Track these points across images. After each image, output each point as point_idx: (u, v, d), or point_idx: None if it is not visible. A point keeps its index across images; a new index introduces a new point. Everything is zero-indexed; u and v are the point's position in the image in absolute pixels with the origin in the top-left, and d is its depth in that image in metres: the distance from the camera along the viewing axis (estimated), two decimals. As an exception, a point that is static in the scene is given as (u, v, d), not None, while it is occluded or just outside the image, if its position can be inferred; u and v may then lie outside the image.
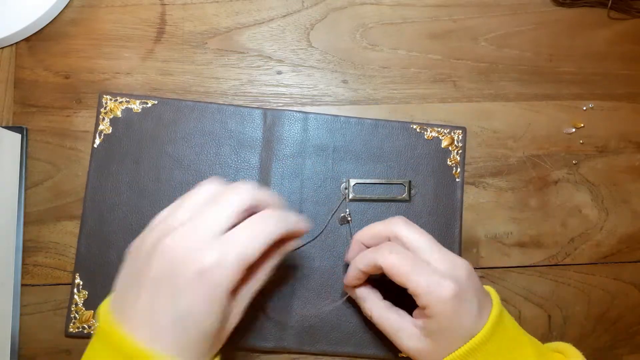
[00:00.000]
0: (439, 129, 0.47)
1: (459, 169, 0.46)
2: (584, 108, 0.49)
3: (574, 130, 0.48)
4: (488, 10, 0.50)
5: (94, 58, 0.47)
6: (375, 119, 0.47)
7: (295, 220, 0.34)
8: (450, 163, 0.46)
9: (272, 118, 0.46)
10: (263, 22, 0.49)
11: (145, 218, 0.44)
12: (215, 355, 0.32)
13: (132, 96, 0.46)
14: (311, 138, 0.46)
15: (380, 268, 0.36)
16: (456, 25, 0.50)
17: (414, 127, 0.47)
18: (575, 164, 0.48)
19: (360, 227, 0.43)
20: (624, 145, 0.48)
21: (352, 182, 0.45)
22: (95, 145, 0.45)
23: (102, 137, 0.45)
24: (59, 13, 0.48)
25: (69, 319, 0.43)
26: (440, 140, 0.46)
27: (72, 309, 0.43)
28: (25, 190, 0.45)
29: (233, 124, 0.46)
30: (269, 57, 0.48)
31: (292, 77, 0.48)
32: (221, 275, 0.29)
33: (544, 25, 0.50)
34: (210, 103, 0.46)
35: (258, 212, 0.33)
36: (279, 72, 0.48)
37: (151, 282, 0.29)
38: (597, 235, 0.47)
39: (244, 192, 0.32)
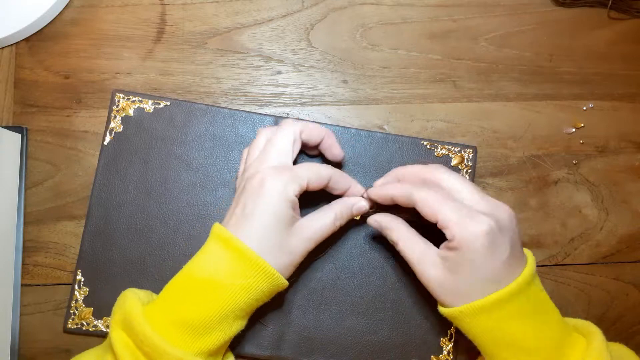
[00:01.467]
0: (449, 147, 0.46)
1: None
2: (584, 108, 0.49)
3: (574, 130, 0.48)
4: (488, 10, 0.50)
5: (94, 58, 0.47)
6: (386, 133, 0.46)
7: (342, 175, 0.41)
8: None
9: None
10: (263, 22, 0.49)
11: (150, 219, 0.44)
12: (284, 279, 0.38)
13: (145, 96, 0.46)
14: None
15: (412, 201, 0.37)
16: (456, 25, 0.50)
17: (424, 143, 0.46)
18: (575, 164, 0.48)
19: (365, 240, 0.44)
20: (624, 145, 0.48)
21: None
22: (105, 143, 0.45)
23: (112, 135, 0.45)
24: (59, 13, 0.48)
25: (68, 315, 0.43)
26: (450, 158, 0.46)
27: (72, 305, 0.43)
28: (25, 190, 0.45)
29: (244, 129, 0.46)
30: (269, 57, 0.48)
31: (292, 77, 0.48)
32: (273, 183, 0.37)
33: (544, 25, 0.50)
34: (223, 108, 0.46)
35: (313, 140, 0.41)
36: (279, 72, 0.48)
37: (239, 198, 0.39)
38: (597, 235, 0.47)
39: (290, 130, 0.40)
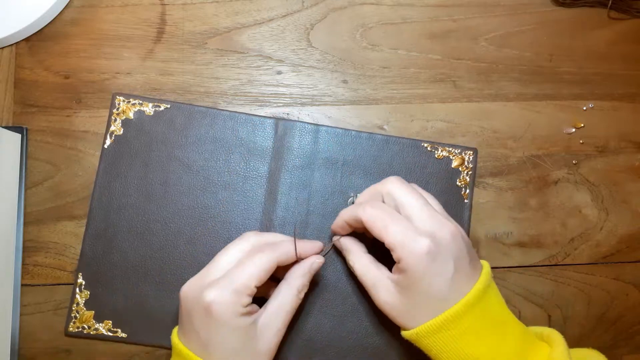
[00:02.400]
0: (450, 149, 0.46)
1: (467, 190, 0.46)
2: (584, 108, 0.49)
3: (574, 130, 0.48)
4: (488, 10, 0.50)
5: (94, 58, 0.47)
6: (387, 135, 0.46)
7: (285, 248, 0.38)
8: (459, 184, 0.46)
9: (283, 128, 0.46)
10: (263, 22, 0.49)
11: (151, 221, 0.44)
12: None
13: (145, 99, 0.46)
14: (321, 151, 0.46)
15: (361, 221, 0.37)
16: (456, 25, 0.50)
17: (425, 145, 0.46)
18: (575, 164, 0.48)
19: (366, 241, 0.43)
20: (624, 145, 0.48)
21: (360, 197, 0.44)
22: (105, 146, 0.45)
23: (112, 138, 0.45)
24: (59, 13, 0.48)
25: (69, 319, 0.43)
26: (451, 160, 0.46)
27: (73, 308, 0.43)
28: (25, 190, 0.45)
29: (244, 132, 0.46)
30: (269, 57, 0.48)
31: (292, 77, 0.48)
32: (221, 306, 0.35)
33: (544, 25, 0.50)
34: (223, 110, 0.46)
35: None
36: (279, 72, 0.48)
37: (185, 323, 0.37)
38: (597, 235, 0.47)
39: (245, 241, 0.39)
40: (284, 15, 0.49)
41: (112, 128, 0.45)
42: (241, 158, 0.45)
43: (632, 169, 0.48)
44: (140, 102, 0.46)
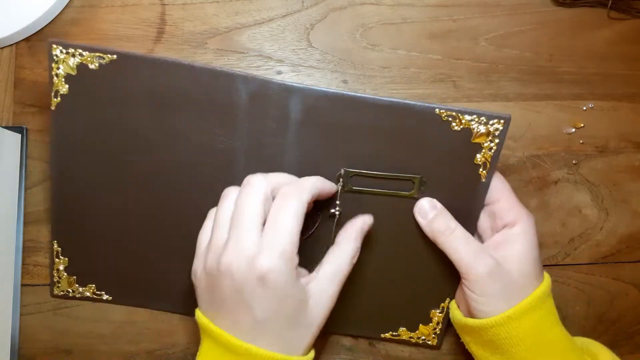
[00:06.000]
0: (474, 117, 0.37)
1: (487, 168, 0.39)
2: (584, 108, 0.49)
3: (574, 130, 0.48)
4: (488, 10, 0.50)
5: (94, 58, 0.47)
6: (392, 100, 0.38)
7: (312, 183, 0.35)
8: (478, 161, 0.39)
9: (258, 87, 0.38)
10: (263, 22, 0.49)
11: (117, 177, 0.41)
12: (310, 350, 0.35)
13: (85, 47, 0.39)
14: (312, 115, 0.39)
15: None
16: (456, 25, 0.50)
17: (440, 112, 0.38)
18: (575, 164, 0.48)
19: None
20: (624, 145, 0.48)
21: (349, 173, 0.39)
22: (53, 108, 0.40)
23: (59, 97, 0.40)
24: (59, 13, 0.48)
25: (52, 284, 0.43)
26: (471, 131, 0.38)
27: (54, 274, 0.43)
28: (25, 190, 0.45)
29: (211, 88, 0.39)
30: (269, 57, 0.48)
31: (292, 77, 0.48)
32: (279, 274, 0.32)
33: (544, 25, 0.50)
34: (186, 63, 0.39)
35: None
36: (279, 72, 0.48)
37: (227, 301, 0.33)
38: (597, 235, 0.47)
39: (257, 188, 0.35)
40: (284, 15, 0.49)
41: (56, 84, 0.40)
42: (211, 116, 0.39)
43: (632, 169, 0.48)
44: (81, 52, 0.39)
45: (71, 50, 0.39)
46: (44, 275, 0.44)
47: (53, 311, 0.44)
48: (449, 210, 0.39)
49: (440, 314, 0.43)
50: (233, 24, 0.49)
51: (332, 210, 0.39)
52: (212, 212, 0.37)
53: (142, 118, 0.40)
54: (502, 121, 0.38)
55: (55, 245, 0.43)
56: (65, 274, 0.43)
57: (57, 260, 0.43)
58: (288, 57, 0.48)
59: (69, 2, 0.48)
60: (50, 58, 0.39)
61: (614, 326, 0.46)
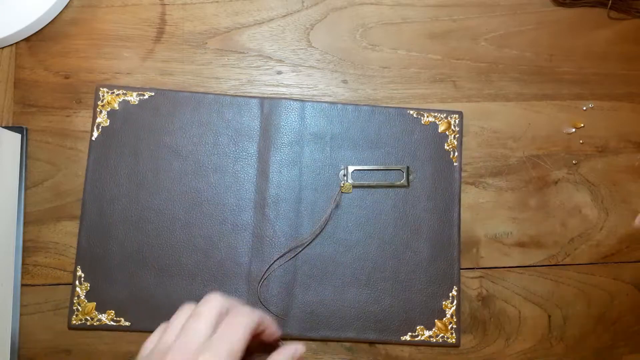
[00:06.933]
0: (436, 114, 0.47)
1: (456, 153, 0.47)
2: (584, 108, 0.49)
3: (574, 130, 0.48)
4: (488, 10, 0.50)
5: (94, 58, 0.47)
6: (372, 106, 0.47)
7: (260, 315, 0.35)
8: (447, 147, 0.47)
9: (269, 107, 0.46)
10: (263, 22, 0.49)
11: (145, 209, 0.45)
12: None
13: (129, 88, 0.46)
14: (309, 126, 0.46)
15: None
16: (456, 25, 0.50)
17: (411, 112, 0.47)
18: (575, 164, 0.48)
19: (360, 213, 0.45)
20: (623, 145, 0.48)
21: (351, 168, 0.46)
22: (93, 138, 0.45)
23: (99, 129, 0.45)
24: (59, 13, 0.48)
25: (71, 312, 0.43)
26: (437, 125, 0.47)
27: (75, 301, 0.43)
28: (25, 190, 0.45)
29: (230, 113, 0.46)
30: (269, 57, 0.48)
31: (292, 77, 0.48)
32: None
33: (544, 25, 0.50)
34: (207, 94, 0.47)
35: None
36: (279, 72, 0.48)
37: None
38: (597, 235, 0.47)
39: (214, 302, 0.35)
40: (284, 15, 0.49)
41: (99, 120, 0.45)
42: (229, 140, 0.46)
43: (632, 169, 0.48)
44: (124, 91, 0.46)
45: (115, 91, 0.46)
46: (44, 275, 0.44)
47: (53, 311, 0.44)
48: (435, 190, 0.46)
49: (452, 305, 0.44)
50: (233, 24, 0.49)
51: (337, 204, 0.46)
52: (161, 326, 0.36)
53: (183, 144, 0.46)
54: (456, 115, 0.47)
55: (79, 271, 0.43)
56: (86, 300, 0.43)
57: (78, 285, 0.43)
58: (288, 57, 0.48)
59: (69, 2, 0.48)
60: (97, 98, 0.46)
61: (614, 326, 0.46)
